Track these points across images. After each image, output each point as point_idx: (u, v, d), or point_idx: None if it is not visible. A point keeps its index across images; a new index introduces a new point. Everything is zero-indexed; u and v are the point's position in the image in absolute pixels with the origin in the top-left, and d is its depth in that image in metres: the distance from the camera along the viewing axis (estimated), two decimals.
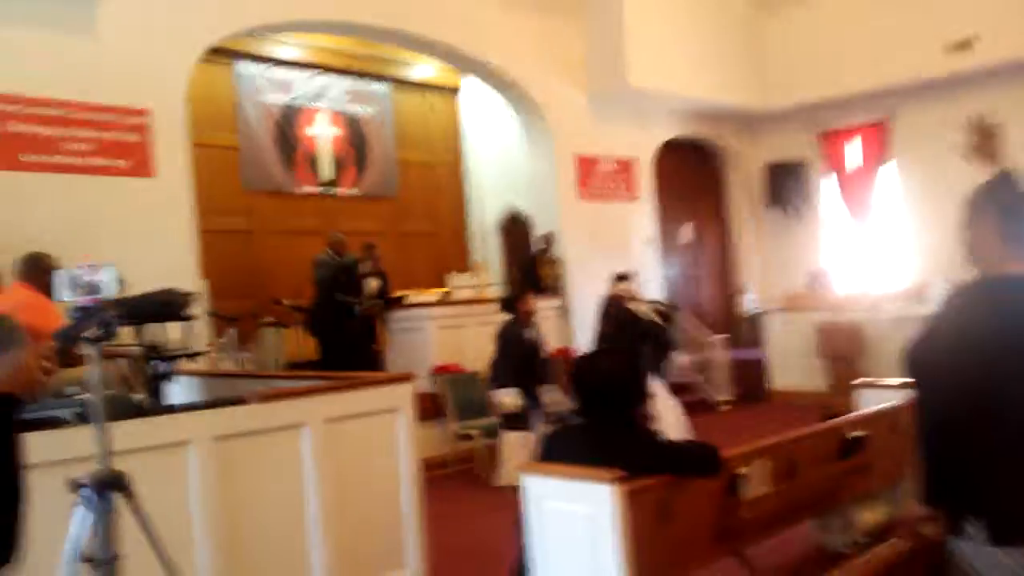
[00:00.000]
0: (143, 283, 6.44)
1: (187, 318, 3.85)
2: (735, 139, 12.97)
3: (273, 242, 9.31)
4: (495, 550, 4.91)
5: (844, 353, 9.41)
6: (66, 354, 1.81)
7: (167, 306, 3.66)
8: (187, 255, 7.26)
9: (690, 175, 12.79)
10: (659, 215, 11.89)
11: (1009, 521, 2.02)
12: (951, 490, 2.11)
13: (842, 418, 4.46)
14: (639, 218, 11.32)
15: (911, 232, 11.48)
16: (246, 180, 9.06)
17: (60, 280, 1.96)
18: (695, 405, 9.72)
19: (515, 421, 6.50)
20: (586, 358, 3.33)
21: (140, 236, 6.82)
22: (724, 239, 13.38)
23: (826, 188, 12.52)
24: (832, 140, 12.16)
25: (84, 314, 1.94)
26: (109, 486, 1.97)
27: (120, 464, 2.78)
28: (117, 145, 6.71)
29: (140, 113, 6.84)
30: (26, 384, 1.60)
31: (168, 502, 3.08)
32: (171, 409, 3.24)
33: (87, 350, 1.96)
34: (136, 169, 6.82)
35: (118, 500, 2.00)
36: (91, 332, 1.91)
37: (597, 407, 3.21)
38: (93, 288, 1.96)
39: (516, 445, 6.49)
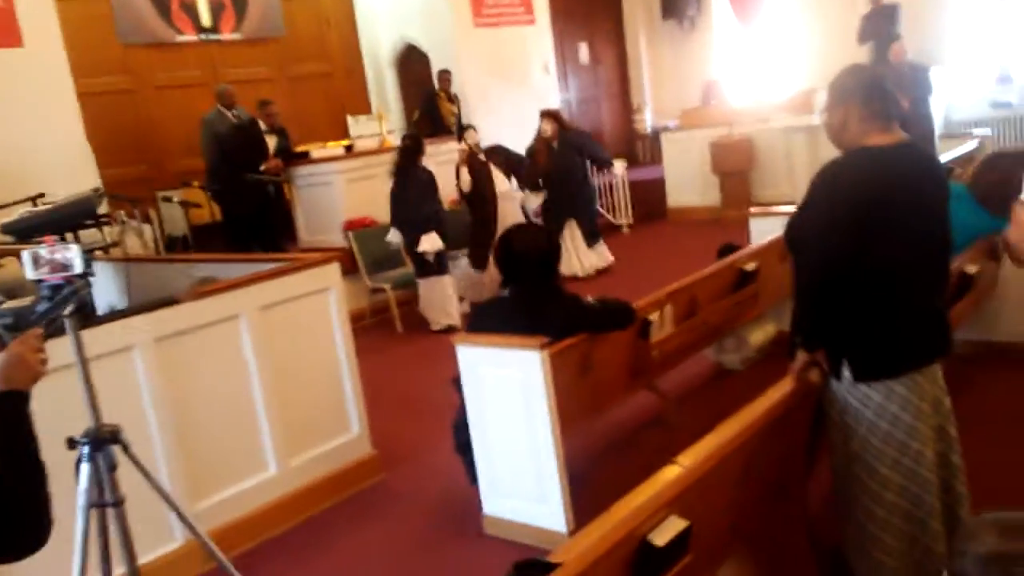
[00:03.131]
0: (30, 160, 6.27)
1: (100, 217, 3.81)
2: None
3: (158, 99, 8.83)
4: (421, 397, 5.32)
5: (736, 168, 9.84)
6: (50, 336, 1.86)
7: (82, 212, 3.62)
8: (71, 123, 6.94)
9: None
10: (557, 39, 11.74)
11: (869, 361, 2.42)
12: (827, 338, 2.49)
13: (737, 254, 4.88)
14: (537, 43, 11.15)
15: (799, 38, 11.75)
16: (121, 33, 8.41)
17: (25, 259, 1.99)
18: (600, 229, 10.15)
19: (430, 267, 6.72)
20: (509, 233, 3.54)
21: (18, 110, 6.45)
22: (622, 57, 13.36)
23: None
24: None
25: (58, 293, 2.00)
26: (106, 441, 2.13)
27: (66, 375, 2.92)
28: None
29: None
30: (29, 378, 1.68)
31: (122, 404, 3.23)
32: (110, 317, 3.30)
33: (66, 326, 2.03)
34: (2, 40, 6.31)
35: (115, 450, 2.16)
36: (69, 310, 1.99)
37: (522, 278, 3.47)
38: (61, 266, 2.01)
39: (434, 289, 6.76)
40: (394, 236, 6.76)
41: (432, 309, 6.76)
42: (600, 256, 8.14)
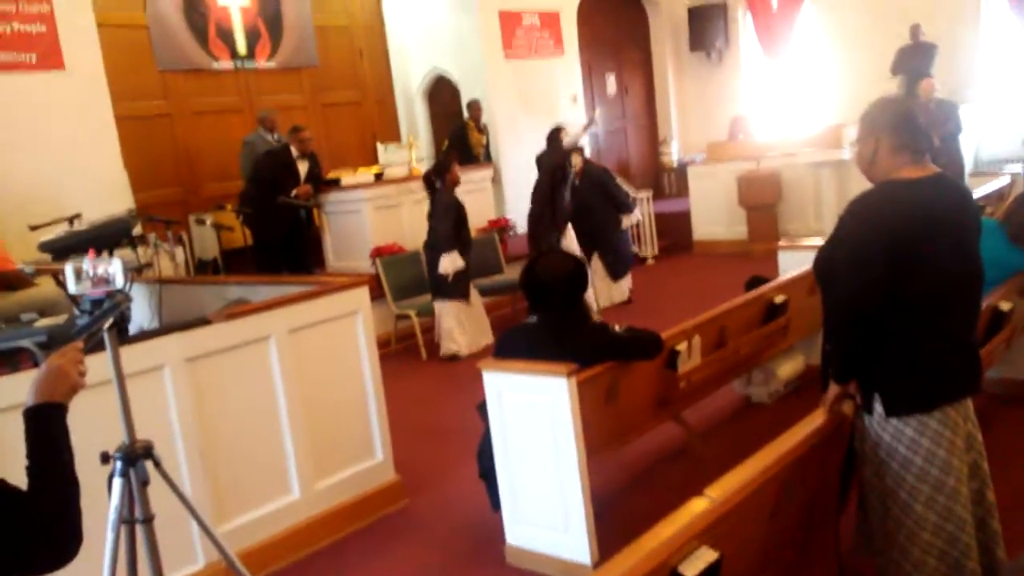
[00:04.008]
0: (67, 181, 6.41)
1: (135, 238, 3.87)
2: None
3: (194, 124, 9.00)
4: (445, 423, 5.31)
5: (764, 201, 9.81)
6: (89, 351, 1.89)
7: (118, 232, 3.69)
8: (109, 146, 7.11)
9: (613, 25, 12.66)
10: (585, 70, 11.85)
11: (901, 395, 2.39)
12: (859, 372, 2.47)
13: (766, 286, 4.85)
14: (565, 74, 11.27)
15: (829, 74, 11.77)
16: (160, 60, 8.60)
17: (68, 272, 2.04)
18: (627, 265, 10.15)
19: (448, 290, 6.74)
20: (535, 260, 3.55)
21: (58, 131, 6.62)
22: (649, 89, 13.44)
23: (748, 30, 12.59)
24: None
25: (99, 307, 2.03)
26: (139, 457, 2.14)
27: (100, 391, 2.95)
28: (22, 37, 6.34)
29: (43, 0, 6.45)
30: (68, 391, 1.70)
31: (150, 423, 3.24)
32: (142, 336, 3.34)
33: (106, 340, 2.06)
34: (45, 62, 6.49)
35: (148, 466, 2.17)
36: (109, 324, 2.02)
37: (548, 304, 3.47)
38: (104, 280, 2.05)
39: (450, 313, 6.78)
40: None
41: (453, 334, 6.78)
42: (619, 291, 8.13)
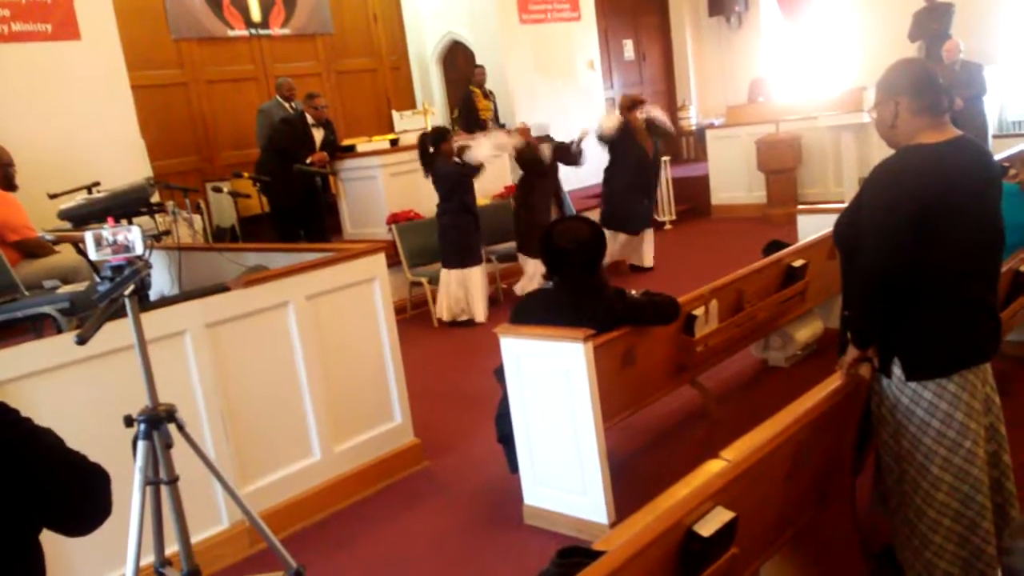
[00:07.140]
0: (85, 150, 6.45)
1: (153, 206, 3.90)
2: None
3: (209, 92, 9.01)
4: (462, 388, 5.36)
5: (783, 166, 9.70)
6: (112, 317, 1.91)
7: (136, 200, 3.72)
8: (125, 115, 7.13)
9: None
10: (602, 35, 11.70)
11: (922, 359, 2.38)
12: (879, 336, 2.46)
13: (785, 251, 4.82)
14: (582, 39, 11.13)
15: (849, 36, 11.56)
16: (174, 28, 8.60)
17: (88, 240, 2.06)
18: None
19: (454, 258, 6.74)
20: (553, 226, 3.54)
21: (75, 101, 6.64)
22: (667, 54, 13.27)
23: None
24: None
25: (120, 273, 2.06)
26: (162, 420, 2.18)
27: (123, 357, 3.00)
28: (38, 7, 6.35)
29: None
30: None
31: (172, 388, 3.29)
32: (163, 302, 3.38)
33: (127, 306, 2.09)
34: (61, 32, 6.50)
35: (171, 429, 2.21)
36: (130, 290, 2.04)
37: (565, 270, 3.48)
38: (123, 247, 2.07)
39: (452, 281, 6.77)
40: None
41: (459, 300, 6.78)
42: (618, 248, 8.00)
